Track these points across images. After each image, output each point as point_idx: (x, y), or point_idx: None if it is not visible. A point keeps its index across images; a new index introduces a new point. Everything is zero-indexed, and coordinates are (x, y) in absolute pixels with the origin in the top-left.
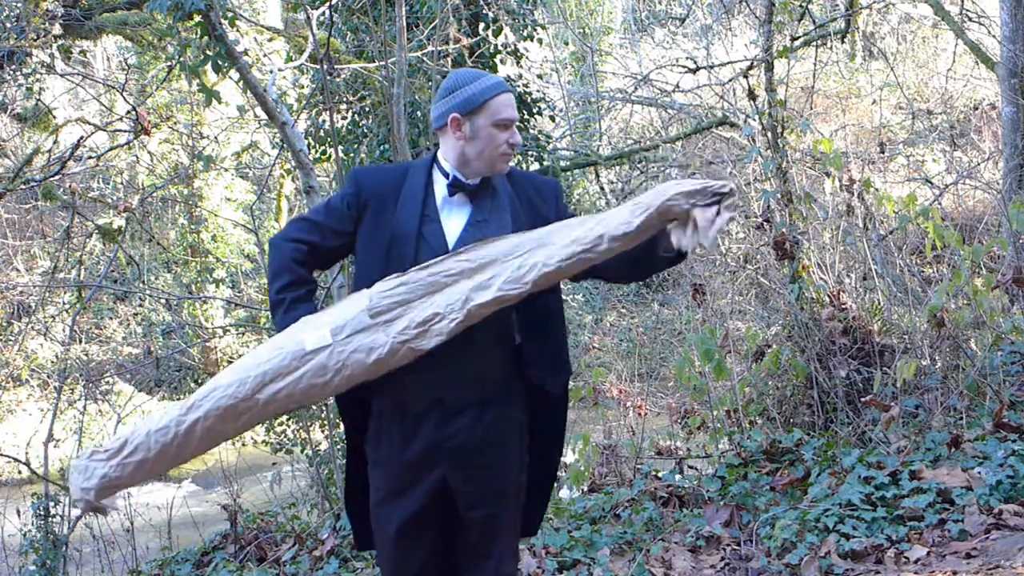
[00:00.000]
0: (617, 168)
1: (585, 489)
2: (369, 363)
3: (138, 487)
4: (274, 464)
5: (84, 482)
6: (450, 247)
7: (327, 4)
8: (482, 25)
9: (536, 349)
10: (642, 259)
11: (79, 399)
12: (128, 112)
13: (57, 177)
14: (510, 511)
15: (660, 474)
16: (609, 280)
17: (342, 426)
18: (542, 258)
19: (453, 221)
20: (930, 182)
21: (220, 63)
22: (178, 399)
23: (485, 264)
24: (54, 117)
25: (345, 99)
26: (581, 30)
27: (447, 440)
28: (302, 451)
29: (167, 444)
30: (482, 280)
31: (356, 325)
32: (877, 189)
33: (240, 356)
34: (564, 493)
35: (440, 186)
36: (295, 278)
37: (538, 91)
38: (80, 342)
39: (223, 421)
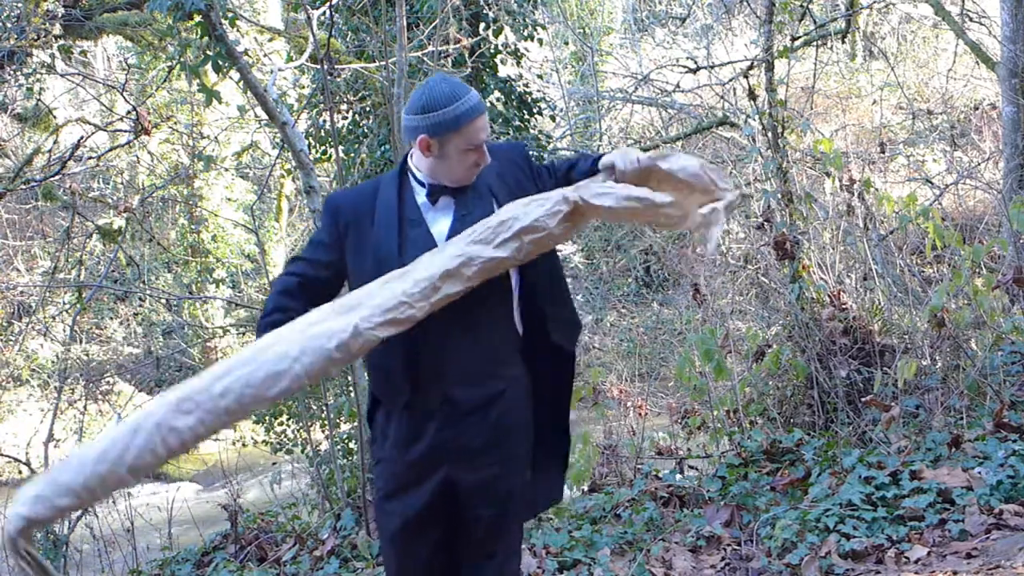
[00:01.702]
0: None
1: (585, 489)
2: (331, 347)
3: (139, 487)
4: (274, 464)
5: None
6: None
7: (327, 4)
8: (482, 25)
9: (555, 311)
10: None
11: (79, 399)
12: (128, 112)
13: (57, 177)
14: (516, 510)
15: (660, 474)
16: None
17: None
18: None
19: (440, 221)
20: (930, 182)
21: (220, 63)
22: None
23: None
24: (54, 117)
25: (345, 99)
26: (581, 30)
27: (454, 439)
28: (302, 451)
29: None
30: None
31: (323, 317)
32: (877, 189)
33: None
34: (564, 493)
35: (419, 194)
36: (276, 306)
37: (538, 91)
38: (80, 342)
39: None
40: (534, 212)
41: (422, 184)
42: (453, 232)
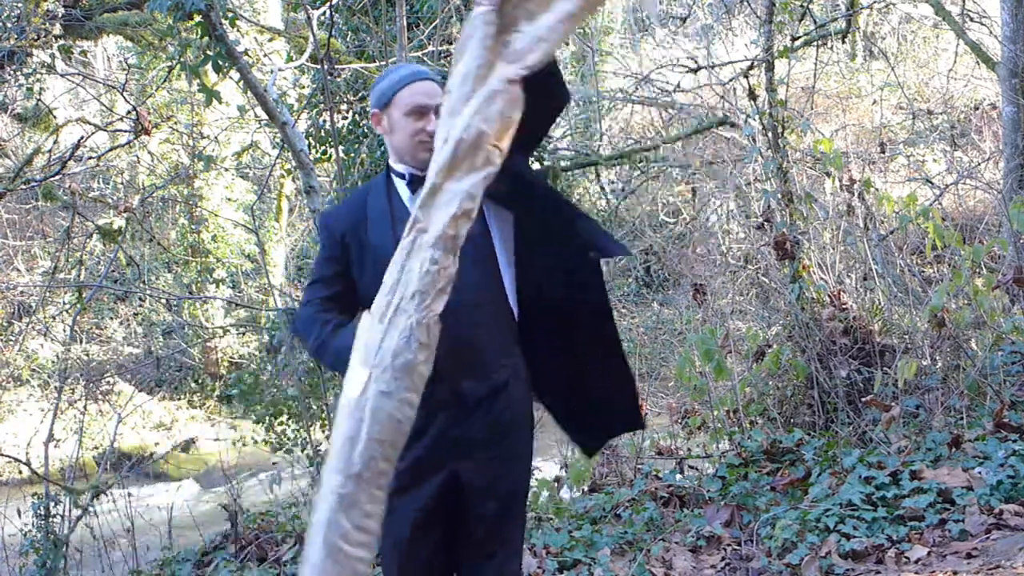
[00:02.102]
0: (617, 168)
1: (586, 489)
2: (415, 350)
3: (139, 487)
4: (274, 464)
5: None
6: None
7: (327, 4)
8: None
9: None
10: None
11: (79, 399)
12: (128, 112)
13: (57, 177)
14: (519, 509)
15: (661, 474)
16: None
17: None
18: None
19: None
20: (930, 182)
21: (220, 63)
22: (178, 399)
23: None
24: (54, 117)
25: (346, 99)
26: (581, 30)
27: (460, 435)
28: (302, 451)
29: None
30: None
31: (374, 339)
32: (877, 189)
33: (240, 356)
34: (564, 493)
35: (403, 188)
36: (322, 321)
37: None
38: (80, 342)
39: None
40: (476, 123)
41: (402, 177)
42: None
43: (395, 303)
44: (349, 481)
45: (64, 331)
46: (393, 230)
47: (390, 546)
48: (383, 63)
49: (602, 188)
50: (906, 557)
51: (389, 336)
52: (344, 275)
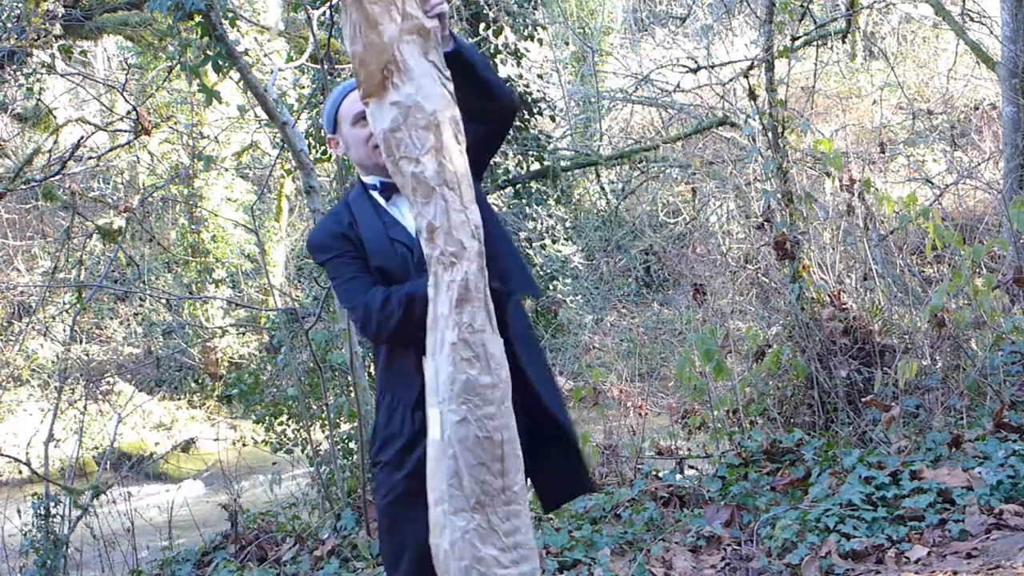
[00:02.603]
0: (617, 168)
1: None
2: (464, 368)
3: (139, 487)
4: (274, 464)
5: None
6: (414, 235)
7: (328, 4)
8: (482, 25)
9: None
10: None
11: (79, 399)
12: (128, 112)
13: (57, 177)
14: None
15: (661, 474)
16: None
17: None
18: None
19: (405, 211)
20: (930, 182)
21: (220, 63)
22: (178, 399)
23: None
24: (54, 117)
25: None
26: (581, 30)
27: None
28: (302, 451)
29: None
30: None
31: (431, 375)
32: (877, 189)
33: (240, 356)
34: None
35: (379, 197)
36: (390, 290)
37: (538, 91)
38: (80, 342)
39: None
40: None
41: (375, 188)
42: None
43: (438, 335)
44: (475, 514)
45: (64, 331)
46: (382, 223)
47: (416, 557)
48: None
49: (602, 188)
50: (906, 557)
51: (441, 367)
52: (367, 263)
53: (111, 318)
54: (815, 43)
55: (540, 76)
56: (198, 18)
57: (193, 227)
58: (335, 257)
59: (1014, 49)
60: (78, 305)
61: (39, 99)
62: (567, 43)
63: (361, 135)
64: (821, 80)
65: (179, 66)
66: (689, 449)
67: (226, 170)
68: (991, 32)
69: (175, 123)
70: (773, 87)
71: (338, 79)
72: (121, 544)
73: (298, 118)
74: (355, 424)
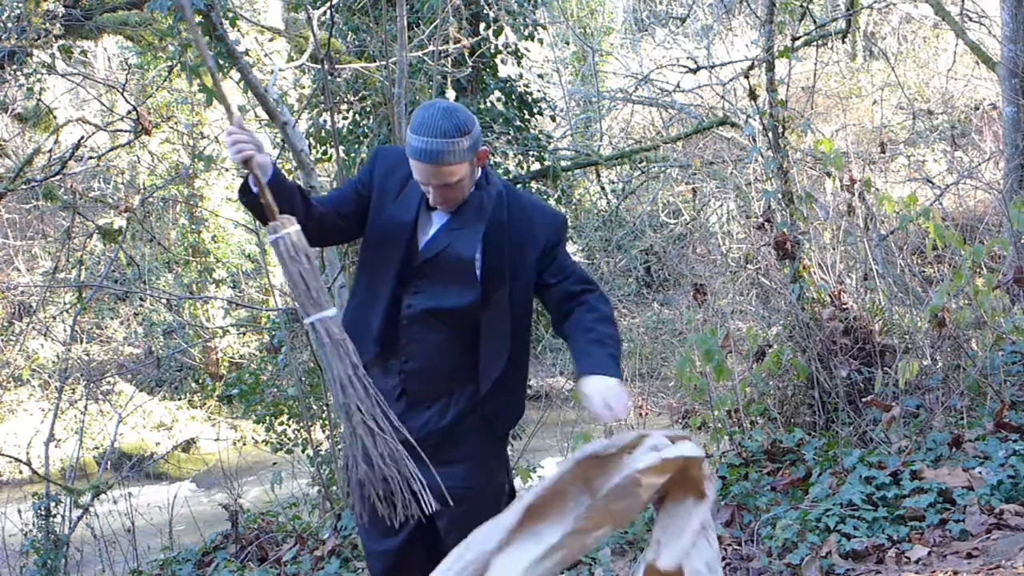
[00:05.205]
0: (618, 168)
1: None
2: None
3: (139, 487)
4: (274, 464)
5: None
6: (420, 246)
7: (328, 4)
8: (483, 25)
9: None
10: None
11: (80, 399)
12: (129, 112)
13: (58, 177)
14: (480, 511)
15: None
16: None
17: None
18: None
19: (434, 223)
20: (931, 182)
21: (221, 63)
22: (179, 399)
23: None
24: (55, 117)
25: (346, 99)
26: (582, 30)
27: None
28: (303, 451)
29: None
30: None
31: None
32: (878, 189)
33: (240, 356)
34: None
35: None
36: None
37: (539, 91)
38: (81, 342)
39: None
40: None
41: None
42: (433, 240)
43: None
44: (510, 537)
45: (64, 331)
46: (414, 211)
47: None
48: (383, 63)
49: (602, 188)
50: (906, 557)
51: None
52: (355, 202)
53: (111, 318)
54: (815, 43)
55: (541, 76)
56: (198, 18)
57: (193, 227)
58: (352, 180)
59: (1014, 49)
60: (78, 305)
61: (39, 99)
62: (567, 43)
63: (425, 187)
64: (821, 80)
65: (179, 66)
66: None
67: (226, 170)
68: (991, 32)
69: (175, 123)
70: (773, 87)
71: (338, 79)
72: (121, 544)
73: (298, 118)
74: None
